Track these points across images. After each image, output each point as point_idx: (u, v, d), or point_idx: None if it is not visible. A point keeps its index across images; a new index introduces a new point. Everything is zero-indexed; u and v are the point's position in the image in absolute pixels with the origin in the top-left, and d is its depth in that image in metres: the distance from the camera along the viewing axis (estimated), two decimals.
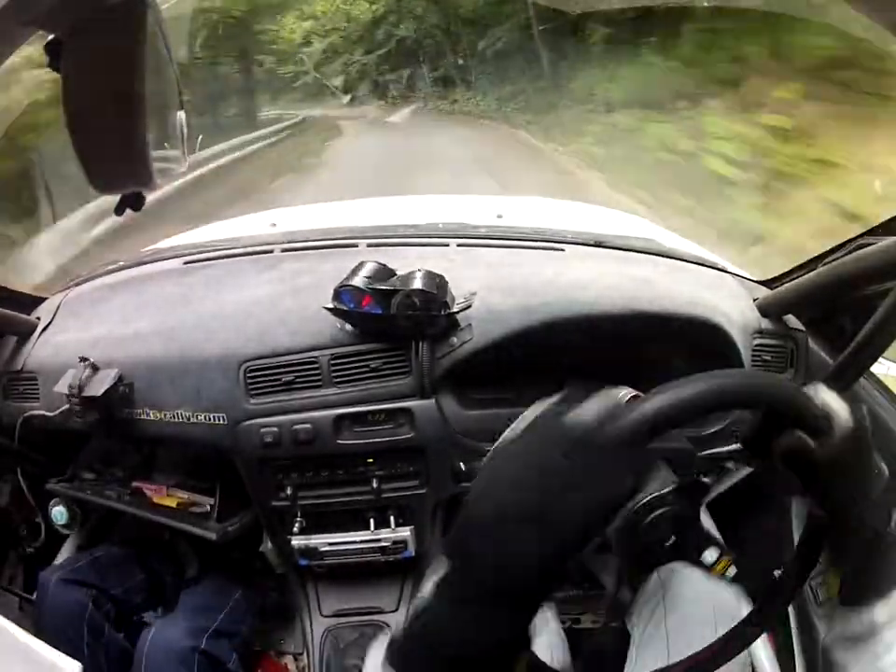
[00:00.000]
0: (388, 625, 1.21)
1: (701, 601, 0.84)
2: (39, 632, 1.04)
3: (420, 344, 1.00)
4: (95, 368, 1.04)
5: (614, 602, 1.04)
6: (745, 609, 0.85)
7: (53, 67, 0.46)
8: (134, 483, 1.19)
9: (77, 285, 1.29)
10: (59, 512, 1.22)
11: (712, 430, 1.05)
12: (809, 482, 0.56)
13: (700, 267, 1.20)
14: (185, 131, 0.59)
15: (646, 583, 0.90)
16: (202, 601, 1.17)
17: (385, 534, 1.10)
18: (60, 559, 1.28)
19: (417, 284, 0.95)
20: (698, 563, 0.73)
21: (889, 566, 0.57)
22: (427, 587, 0.43)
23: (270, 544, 1.20)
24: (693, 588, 0.86)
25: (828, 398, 0.51)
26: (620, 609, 0.97)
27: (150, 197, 0.56)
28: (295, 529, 1.09)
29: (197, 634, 1.06)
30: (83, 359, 1.04)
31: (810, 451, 0.50)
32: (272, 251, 1.22)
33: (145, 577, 1.22)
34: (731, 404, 0.56)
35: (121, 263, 1.32)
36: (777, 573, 0.99)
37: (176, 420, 1.05)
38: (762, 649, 1.07)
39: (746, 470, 1.20)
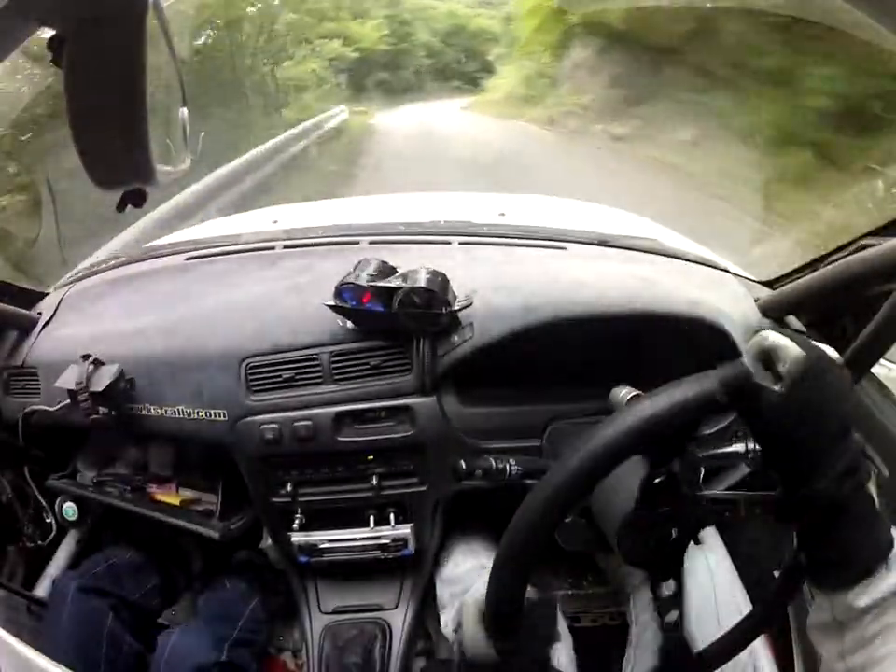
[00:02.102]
0: (388, 623, 1.21)
1: (703, 601, 0.84)
2: (55, 640, 1.04)
3: (421, 342, 1.00)
4: (99, 364, 1.04)
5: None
6: (746, 608, 0.85)
7: (56, 63, 0.46)
8: (136, 481, 1.20)
9: (79, 280, 1.29)
10: (69, 508, 1.22)
11: (713, 430, 1.05)
12: (758, 431, 0.53)
13: (702, 267, 1.20)
14: (187, 127, 0.59)
15: (644, 584, 0.90)
16: (221, 609, 1.17)
17: (384, 531, 1.10)
18: (60, 556, 1.28)
19: (419, 281, 0.95)
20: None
21: (856, 543, 0.51)
22: None
23: (270, 541, 1.20)
24: (694, 588, 0.86)
25: (775, 338, 0.50)
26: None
27: None
28: (295, 526, 1.10)
29: (218, 644, 1.06)
30: (86, 356, 1.04)
31: (759, 391, 0.48)
32: (273, 248, 1.22)
33: (159, 580, 1.22)
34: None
35: (123, 259, 1.32)
36: (776, 573, 0.99)
37: (177, 416, 1.05)
38: (761, 648, 1.07)
39: (746, 470, 1.19)
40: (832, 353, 0.51)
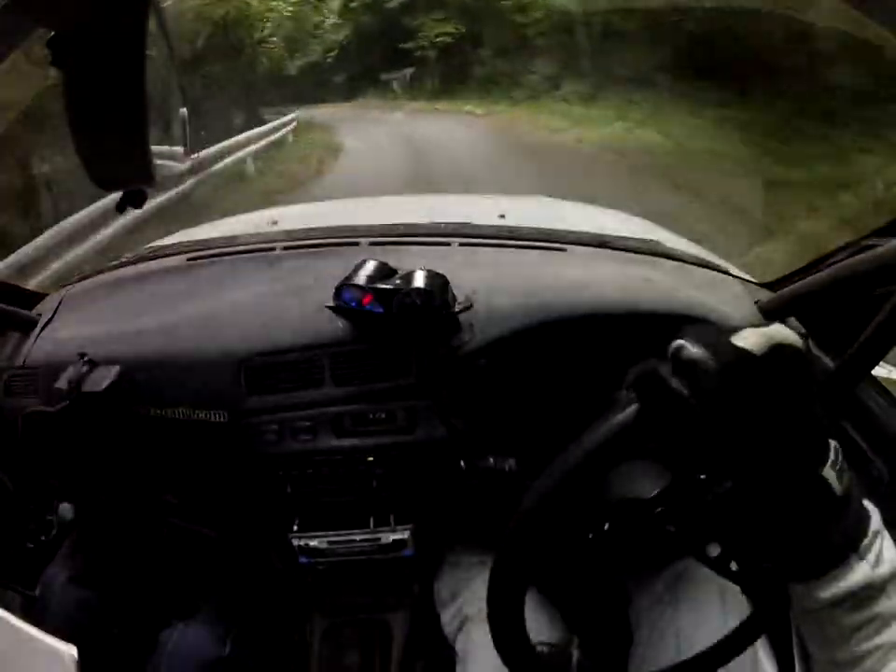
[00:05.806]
0: (388, 623, 1.21)
1: (708, 603, 0.83)
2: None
3: (421, 344, 1.00)
4: (94, 364, 1.04)
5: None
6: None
7: (56, 64, 0.46)
8: (136, 481, 1.19)
9: (79, 281, 1.29)
10: (66, 509, 1.22)
11: None
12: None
13: (702, 269, 1.19)
14: (187, 127, 0.59)
15: (651, 586, 0.90)
16: (223, 605, 1.17)
17: (384, 532, 1.10)
18: (60, 556, 1.28)
19: (418, 283, 0.95)
20: (702, 556, 0.71)
21: (820, 531, 0.47)
22: None
23: (270, 542, 1.20)
24: (700, 591, 0.86)
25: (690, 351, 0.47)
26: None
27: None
28: (295, 528, 1.09)
29: (221, 640, 1.07)
30: (81, 355, 1.04)
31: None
32: (273, 249, 1.22)
33: (153, 577, 1.22)
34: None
35: (123, 260, 1.32)
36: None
37: (177, 417, 1.05)
38: (761, 648, 1.06)
39: None
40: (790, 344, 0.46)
